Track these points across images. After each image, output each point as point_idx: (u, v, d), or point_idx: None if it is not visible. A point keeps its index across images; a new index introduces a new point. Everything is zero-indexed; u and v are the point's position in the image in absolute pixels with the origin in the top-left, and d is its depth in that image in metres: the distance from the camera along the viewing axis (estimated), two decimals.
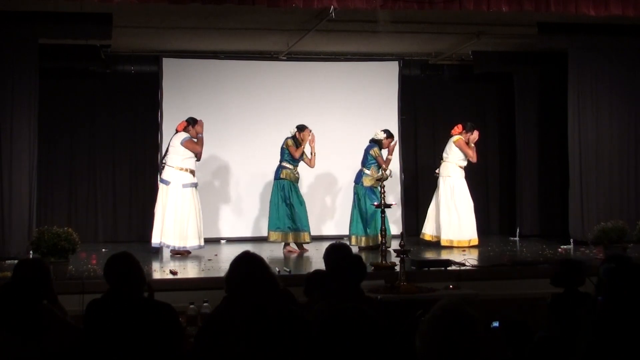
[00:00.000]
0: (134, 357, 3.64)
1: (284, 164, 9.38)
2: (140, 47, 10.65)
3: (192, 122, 9.09)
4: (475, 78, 11.46)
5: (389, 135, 9.65)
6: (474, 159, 9.75)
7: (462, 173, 9.74)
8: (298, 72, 11.30)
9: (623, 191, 9.67)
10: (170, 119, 10.75)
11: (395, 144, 9.58)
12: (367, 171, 9.44)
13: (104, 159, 10.97)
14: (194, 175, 9.03)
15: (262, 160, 10.93)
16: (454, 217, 9.55)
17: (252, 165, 11.06)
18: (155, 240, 8.92)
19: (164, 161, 9.10)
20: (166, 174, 8.97)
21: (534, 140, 11.16)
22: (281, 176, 9.35)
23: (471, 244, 9.52)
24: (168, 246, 8.88)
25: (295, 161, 9.39)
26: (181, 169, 8.93)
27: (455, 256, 8.36)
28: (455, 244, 9.46)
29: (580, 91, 9.60)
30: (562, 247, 9.36)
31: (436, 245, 9.60)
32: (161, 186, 9.00)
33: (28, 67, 8.47)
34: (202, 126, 9.10)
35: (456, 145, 9.66)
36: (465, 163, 9.77)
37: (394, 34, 9.38)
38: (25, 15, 8.36)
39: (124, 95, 11.04)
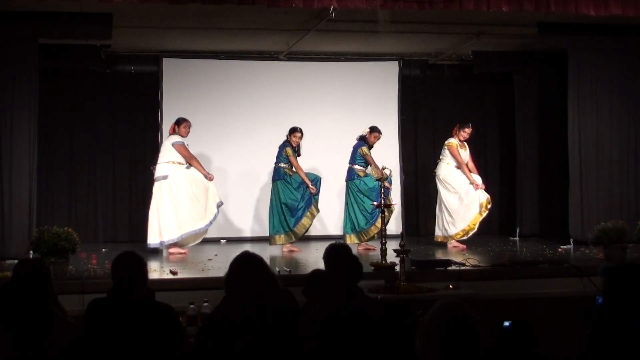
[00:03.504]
0: (134, 357, 3.64)
1: (282, 164, 9.39)
2: (140, 47, 10.65)
3: (178, 122, 9.17)
4: (475, 78, 11.46)
5: (373, 129, 9.59)
6: (462, 167, 9.56)
7: (460, 173, 9.68)
8: (298, 72, 11.30)
9: (623, 191, 9.66)
10: (170, 119, 10.71)
11: (464, 133, 9.62)
12: (357, 166, 9.47)
13: (104, 159, 10.97)
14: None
15: (262, 159, 10.93)
16: (452, 213, 9.53)
17: (252, 165, 11.06)
18: (155, 240, 8.94)
19: (156, 162, 9.15)
20: (162, 169, 9.02)
21: (534, 140, 11.17)
22: (288, 174, 9.36)
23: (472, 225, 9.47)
24: (182, 236, 8.91)
25: (287, 161, 9.42)
26: (173, 162, 9.00)
27: (455, 256, 8.36)
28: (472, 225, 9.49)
29: (580, 91, 9.60)
30: (562, 247, 9.35)
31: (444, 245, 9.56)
32: (159, 184, 9.01)
33: (28, 67, 8.47)
34: (187, 127, 9.15)
35: (448, 150, 9.63)
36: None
37: (394, 34, 9.39)
38: (25, 15, 8.35)
39: (124, 95, 11.04)
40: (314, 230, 10.07)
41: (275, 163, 9.47)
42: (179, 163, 9.02)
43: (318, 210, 9.44)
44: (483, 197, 9.54)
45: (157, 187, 9.05)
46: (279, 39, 10.01)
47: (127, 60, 11.03)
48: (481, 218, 9.53)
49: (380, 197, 7.86)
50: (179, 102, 10.81)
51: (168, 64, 11.01)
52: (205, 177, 9.05)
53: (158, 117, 10.95)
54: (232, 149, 11.03)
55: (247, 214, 11.09)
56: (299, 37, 9.69)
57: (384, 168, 9.15)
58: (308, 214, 9.29)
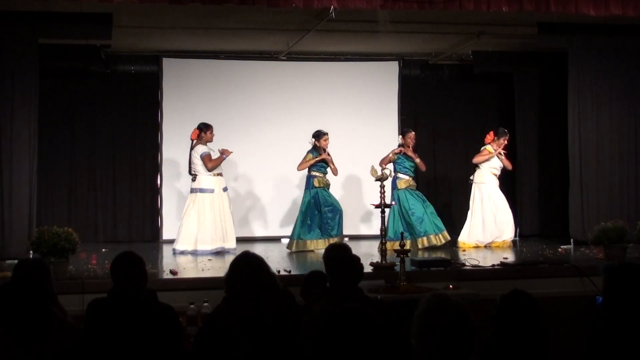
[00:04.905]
0: (134, 357, 3.64)
1: (313, 172, 9.38)
2: (140, 47, 10.65)
3: (203, 128, 9.24)
4: (475, 78, 11.45)
5: (401, 132, 9.71)
6: (476, 160, 9.72)
7: (495, 181, 9.76)
8: (298, 72, 11.30)
9: (623, 191, 9.66)
10: (170, 119, 10.75)
11: (504, 141, 9.71)
12: (400, 175, 9.54)
13: (104, 159, 10.97)
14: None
15: (261, 159, 10.94)
16: (490, 220, 9.59)
17: (251, 165, 11.06)
18: (187, 246, 9.00)
19: (193, 171, 9.18)
20: (206, 182, 9.10)
21: (534, 140, 11.17)
22: (315, 185, 9.34)
23: (506, 245, 9.59)
24: (209, 251, 8.95)
25: (323, 168, 9.39)
26: (216, 175, 9.15)
27: (455, 256, 8.36)
28: (494, 245, 9.55)
29: (580, 91, 9.60)
30: (562, 247, 9.35)
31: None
32: (202, 195, 9.07)
33: (28, 67, 8.46)
34: (212, 131, 9.24)
35: (482, 151, 9.73)
36: (498, 171, 9.77)
37: (394, 34, 9.38)
38: (25, 15, 8.35)
39: (124, 95, 11.04)
40: None
41: (308, 171, 9.45)
42: (219, 174, 9.18)
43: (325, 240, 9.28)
44: (510, 233, 9.68)
45: (199, 198, 9.08)
46: (279, 39, 10.01)
47: (127, 60, 11.03)
48: (497, 245, 9.58)
49: (380, 197, 7.86)
50: (179, 102, 10.81)
51: (168, 64, 11.01)
52: (224, 153, 9.17)
53: (158, 117, 10.95)
54: (231, 148, 11.00)
55: (247, 214, 11.09)
56: (299, 37, 9.69)
57: (383, 168, 9.16)
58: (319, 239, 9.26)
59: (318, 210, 9.25)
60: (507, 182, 11.52)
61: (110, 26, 8.38)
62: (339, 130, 11.00)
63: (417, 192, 9.65)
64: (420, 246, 9.27)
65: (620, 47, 9.66)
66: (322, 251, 9.00)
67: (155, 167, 11.02)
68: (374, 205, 8.29)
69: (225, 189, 9.24)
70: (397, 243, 9.08)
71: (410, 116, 11.72)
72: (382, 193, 7.89)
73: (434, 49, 11.14)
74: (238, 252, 4.08)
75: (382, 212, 7.77)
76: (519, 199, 11.12)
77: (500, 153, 9.69)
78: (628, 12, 8.26)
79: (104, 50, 10.11)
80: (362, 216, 11.31)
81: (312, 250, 9.17)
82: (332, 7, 7.79)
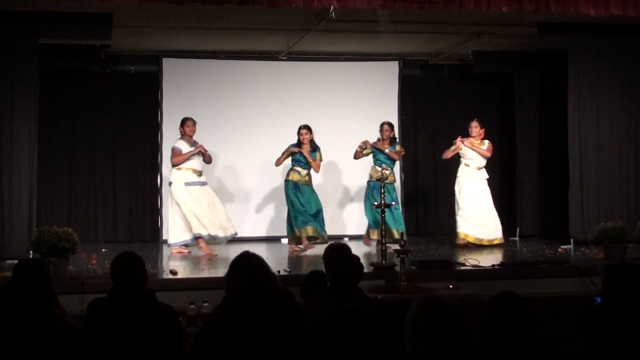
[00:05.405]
0: (134, 357, 3.64)
1: (293, 166, 9.44)
2: (140, 47, 10.65)
3: (181, 123, 9.28)
4: (475, 78, 11.45)
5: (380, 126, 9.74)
6: (443, 156, 9.84)
7: (472, 173, 9.69)
8: (298, 72, 11.30)
9: (623, 191, 9.66)
10: (170, 119, 10.73)
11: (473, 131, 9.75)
12: (374, 166, 9.54)
13: (104, 159, 10.97)
14: (199, 174, 9.16)
15: (261, 159, 10.93)
16: (469, 213, 9.58)
17: (251, 165, 11.06)
18: (176, 239, 9.09)
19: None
20: (172, 175, 9.16)
21: (534, 140, 11.17)
22: (288, 177, 9.42)
23: (492, 243, 9.54)
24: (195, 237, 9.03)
25: (303, 164, 9.39)
26: (180, 169, 9.06)
27: (456, 256, 8.36)
28: (476, 241, 9.52)
29: (580, 91, 9.60)
30: (562, 247, 9.35)
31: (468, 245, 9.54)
32: (170, 188, 9.18)
33: (28, 67, 8.46)
34: (190, 126, 9.19)
35: None
36: (475, 162, 9.71)
37: (394, 34, 9.37)
38: (25, 15, 8.35)
39: (124, 95, 11.04)
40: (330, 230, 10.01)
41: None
42: (186, 169, 9.08)
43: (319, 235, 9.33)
44: (498, 233, 9.64)
45: (169, 190, 9.17)
46: (279, 39, 10.01)
47: (127, 60, 11.03)
48: (481, 243, 9.55)
49: (381, 197, 7.86)
50: (179, 102, 10.81)
51: (168, 64, 11.01)
52: (203, 153, 9.13)
53: (158, 117, 10.96)
54: (231, 149, 11.03)
55: (247, 213, 11.09)
56: (299, 37, 9.69)
57: (383, 169, 9.16)
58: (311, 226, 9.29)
59: (297, 198, 9.29)
60: (507, 182, 11.56)
61: (110, 26, 8.37)
62: (339, 130, 11.02)
63: (390, 187, 9.57)
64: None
65: (620, 47, 9.65)
66: (319, 241, 9.16)
67: (155, 167, 11.02)
68: (374, 205, 8.30)
69: (189, 184, 9.08)
70: (377, 232, 9.20)
71: (410, 116, 11.72)
72: (382, 193, 7.89)
73: (434, 49, 11.14)
74: (237, 249, 4.08)
75: (382, 212, 7.77)
76: (519, 199, 11.13)
77: (467, 142, 9.64)
78: (628, 12, 8.26)
79: (104, 50, 10.11)
80: (361, 216, 11.29)
81: (316, 238, 9.26)
82: (332, 7, 7.79)
